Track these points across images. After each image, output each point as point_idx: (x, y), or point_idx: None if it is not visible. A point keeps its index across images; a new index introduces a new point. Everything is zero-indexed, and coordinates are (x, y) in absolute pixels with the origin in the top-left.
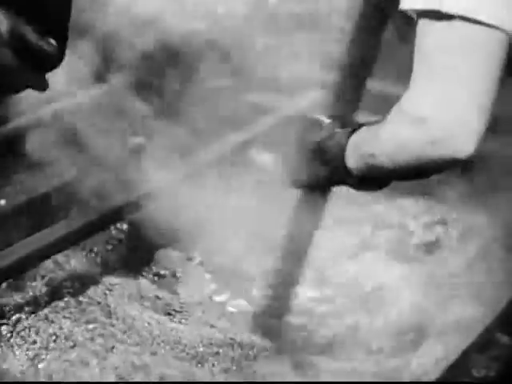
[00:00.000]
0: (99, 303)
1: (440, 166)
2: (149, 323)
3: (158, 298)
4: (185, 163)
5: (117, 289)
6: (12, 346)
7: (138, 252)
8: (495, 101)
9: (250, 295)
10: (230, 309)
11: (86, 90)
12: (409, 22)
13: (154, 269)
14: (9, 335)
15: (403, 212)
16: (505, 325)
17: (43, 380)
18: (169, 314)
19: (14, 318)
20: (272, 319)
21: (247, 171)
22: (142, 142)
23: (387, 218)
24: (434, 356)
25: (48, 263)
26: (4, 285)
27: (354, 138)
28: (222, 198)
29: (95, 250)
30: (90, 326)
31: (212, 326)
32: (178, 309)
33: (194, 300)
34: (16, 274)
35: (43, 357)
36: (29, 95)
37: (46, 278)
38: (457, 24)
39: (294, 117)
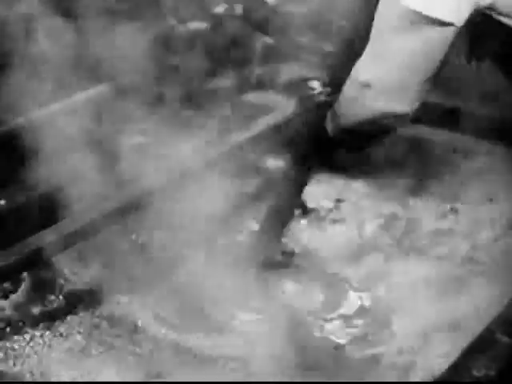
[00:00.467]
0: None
1: (383, 124)
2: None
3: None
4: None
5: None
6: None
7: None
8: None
9: None
10: None
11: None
12: None
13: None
14: (22, 351)
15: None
16: (505, 325)
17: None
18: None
19: (28, 335)
20: None
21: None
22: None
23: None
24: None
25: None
26: (22, 296)
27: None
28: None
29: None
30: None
31: None
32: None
33: None
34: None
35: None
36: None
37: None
38: (413, 17)
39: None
